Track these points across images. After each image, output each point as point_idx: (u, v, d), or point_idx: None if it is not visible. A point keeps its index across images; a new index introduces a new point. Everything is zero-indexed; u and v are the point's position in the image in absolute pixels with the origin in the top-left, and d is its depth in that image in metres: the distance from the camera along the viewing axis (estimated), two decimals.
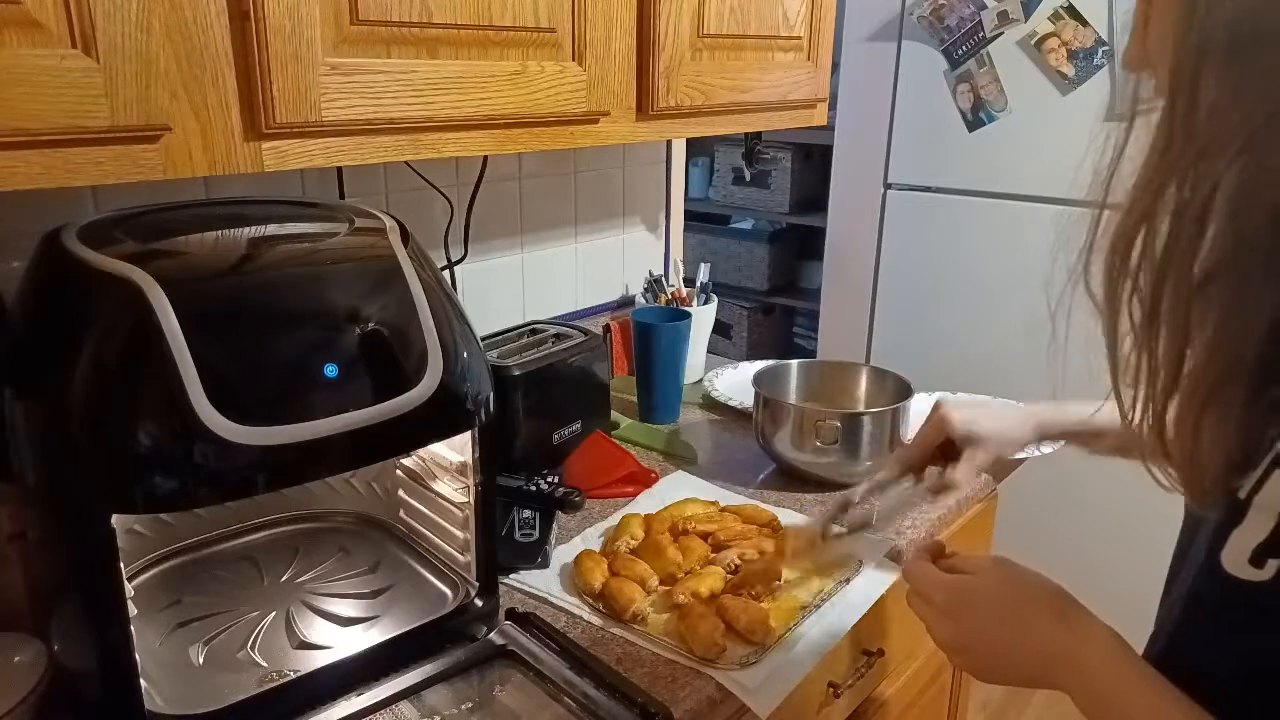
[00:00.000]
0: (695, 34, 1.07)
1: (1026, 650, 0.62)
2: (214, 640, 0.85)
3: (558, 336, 1.27)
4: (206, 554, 0.99)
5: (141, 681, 0.70)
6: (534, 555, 1.00)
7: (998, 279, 2.12)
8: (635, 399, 1.40)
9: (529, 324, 1.31)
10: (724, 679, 0.83)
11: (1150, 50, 0.53)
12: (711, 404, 1.45)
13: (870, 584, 0.98)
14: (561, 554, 1.02)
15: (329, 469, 0.75)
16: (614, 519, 1.09)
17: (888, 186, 2.31)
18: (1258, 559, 0.49)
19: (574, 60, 0.94)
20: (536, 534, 1.02)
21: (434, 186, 1.25)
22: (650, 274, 1.57)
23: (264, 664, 0.82)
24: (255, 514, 1.03)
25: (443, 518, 0.95)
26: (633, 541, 1.01)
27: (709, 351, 1.61)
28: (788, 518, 1.09)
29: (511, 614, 0.90)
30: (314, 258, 0.76)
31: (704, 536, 1.02)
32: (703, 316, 1.51)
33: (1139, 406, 0.53)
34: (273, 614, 0.89)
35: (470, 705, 0.81)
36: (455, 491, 0.91)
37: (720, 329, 3.10)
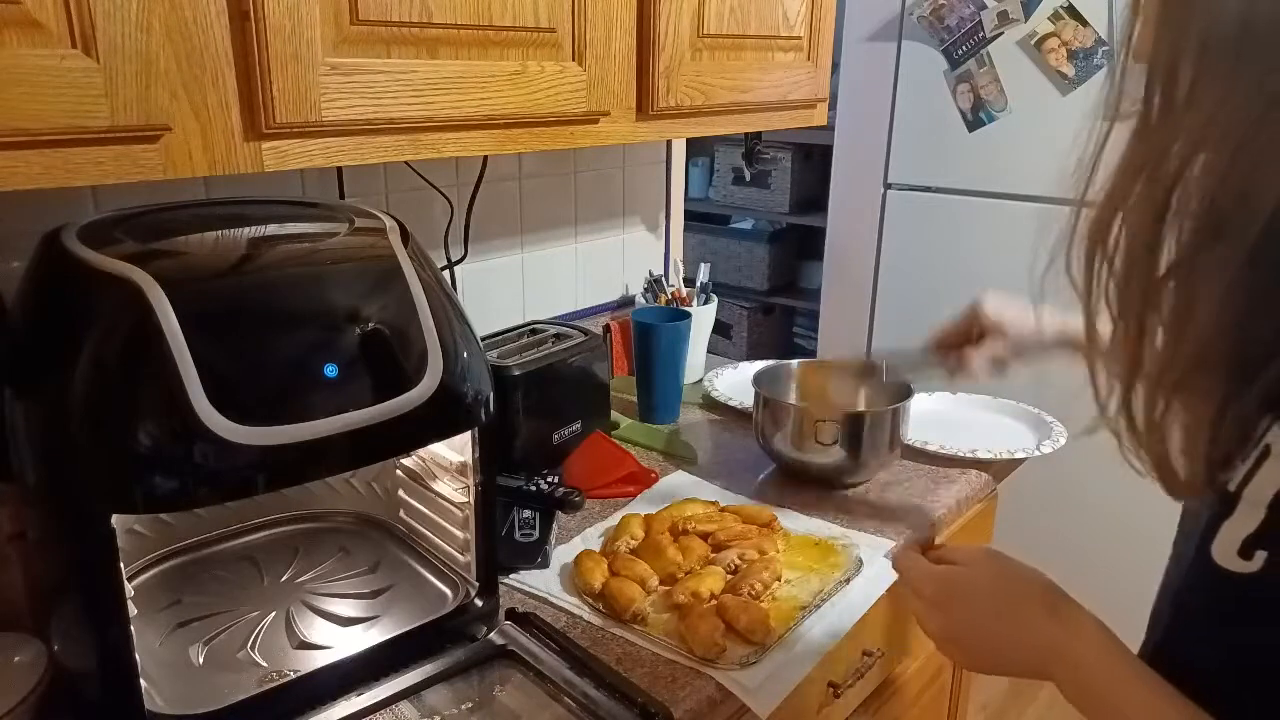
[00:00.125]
0: (695, 34, 1.07)
1: (1017, 643, 0.63)
2: (214, 640, 0.85)
3: (558, 336, 1.27)
4: (206, 554, 0.99)
5: (141, 681, 0.70)
6: (534, 555, 1.00)
7: (997, 279, 2.08)
8: (635, 399, 1.40)
9: (529, 324, 1.31)
10: (724, 679, 0.83)
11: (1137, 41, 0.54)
12: (711, 404, 1.45)
13: (870, 584, 0.98)
14: (561, 554, 1.02)
15: (329, 469, 0.75)
16: (614, 519, 1.09)
17: (888, 186, 2.31)
18: (1246, 550, 0.50)
19: (574, 60, 0.94)
20: (536, 534, 1.02)
21: (434, 186, 1.25)
22: (650, 274, 1.57)
23: (264, 664, 0.82)
24: (255, 514, 1.03)
25: (443, 518, 0.95)
26: (633, 541, 1.01)
27: (709, 351, 1.61)
28: (788, 518, 1.09)
29: (511, 614, 0.90)
30: (314, 258, 0.76)
31: (704, 536, 1.02)
32: (703, 316, 1.51)
33: (1113, 392, 0.54)
34: (273, 614, 0.89)
35: (470, 705, 0.81)
36: (455, 491, 0.91)
37: (720, 329, 3.10)
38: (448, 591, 0.92)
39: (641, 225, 1.64)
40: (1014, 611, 0.63)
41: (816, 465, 1.17)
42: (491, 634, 0.88)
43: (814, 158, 3.03)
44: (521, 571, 0.99)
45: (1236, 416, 0.49)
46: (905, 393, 1.20)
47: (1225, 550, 0.51)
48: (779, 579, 0.96)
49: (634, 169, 1.59)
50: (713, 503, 1.10)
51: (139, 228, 0.74)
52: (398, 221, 0.82)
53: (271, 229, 0.78)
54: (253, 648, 0.84)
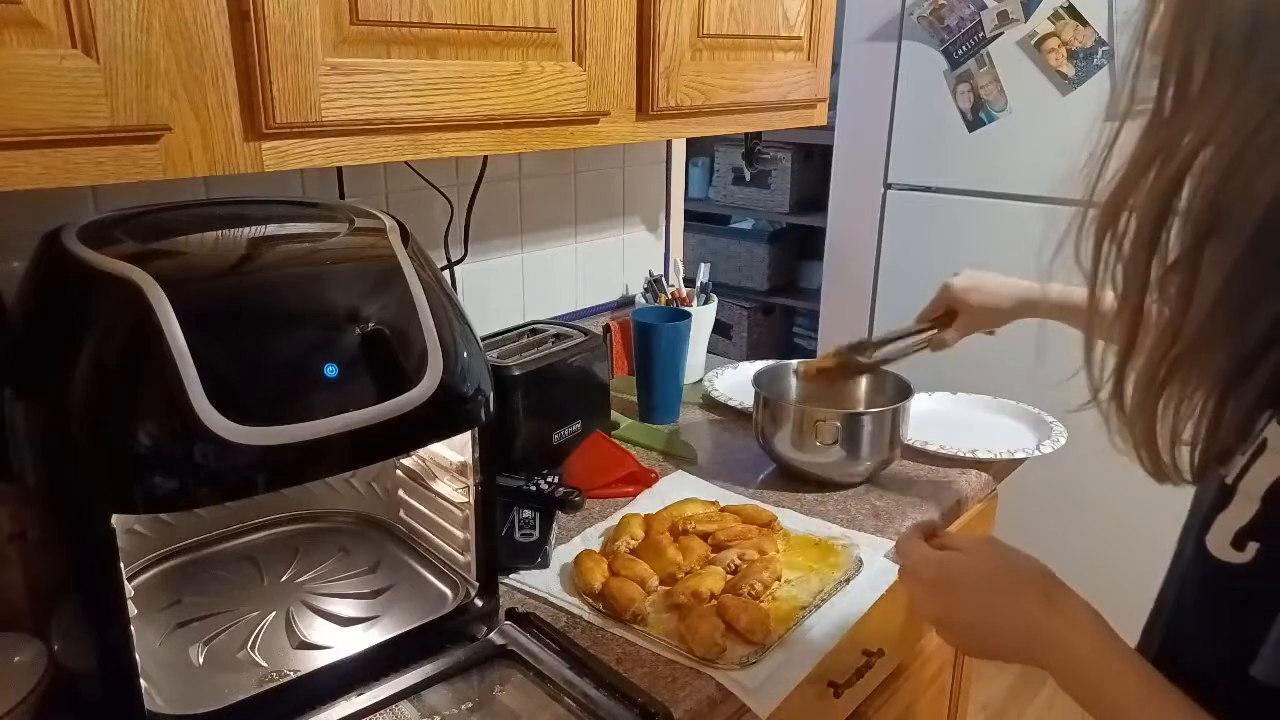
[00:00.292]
0: (695, 34, 1.07)
1: (1010, 630, 0.63)
2: (214, 640, 0.85)
3: (558, 336, 1.27)
4: (206, 554, 0.99)
5: (141, 681, 0.70)
6: (534, 555, 1.00)
7: None
8: (635, 399, 1.40)
9: (529, 324, 1.31)
10: (724, 679, 0.83)
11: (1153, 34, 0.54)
12: (711, 404, 1.45)
13: (870, 584, 0.98)
14: (561, 554, 1.02)
15: (329, 469, 0.75)
16: (614, 519, 1.09)
17: (888, 186, 2.31)
18: (1239, 541, 0.51)
19: (574, 60, 0.94)
20: (536, 534, 1.02)
21: (434, 186, 1.25)
22: (650, 274, 1.57)
23: (264, 664, 0.82)
24: (255, 514, 1.03)
25: (443, 518, 0.95)
26: (633, 541, 1.01)
27: (709, 351, 1.61)
28: (788, 518, 1.09)
29: (511, 614, 0.90)
30: (314, 258, 0.76)
31: (704, 536, 1.02)
32: (703, 316, 1.51)
33: (1107, 374, 0.55)
34: (273, 614, 0.89)
35: (470, 705, 0.81)
36: (455, 491, 0.91)
37: (720, 329, 3.10)
38: (448, 591, 0.92)
39: (641, 225, 1.64)
40: (1009, 598, 0.64)
41: (816, 465, 1.17)
42: (491, 634, 0.88)
43: (814, 158, 3.03)
44: (521, 571, 0.99)
45: (1236, 410, 0.50)
46: (905, 393, 1.21)
47: (1219, 541, 0.52)
48: (779, 579, 0.96)
49: (634, 169, 1.59)
50: (713, 503, 1.10)
51: (139, 228, 0.74)
52: (398, 221, 0.82)
53: (271, 229, 0.78)
54: (253, 648, 0.84)
